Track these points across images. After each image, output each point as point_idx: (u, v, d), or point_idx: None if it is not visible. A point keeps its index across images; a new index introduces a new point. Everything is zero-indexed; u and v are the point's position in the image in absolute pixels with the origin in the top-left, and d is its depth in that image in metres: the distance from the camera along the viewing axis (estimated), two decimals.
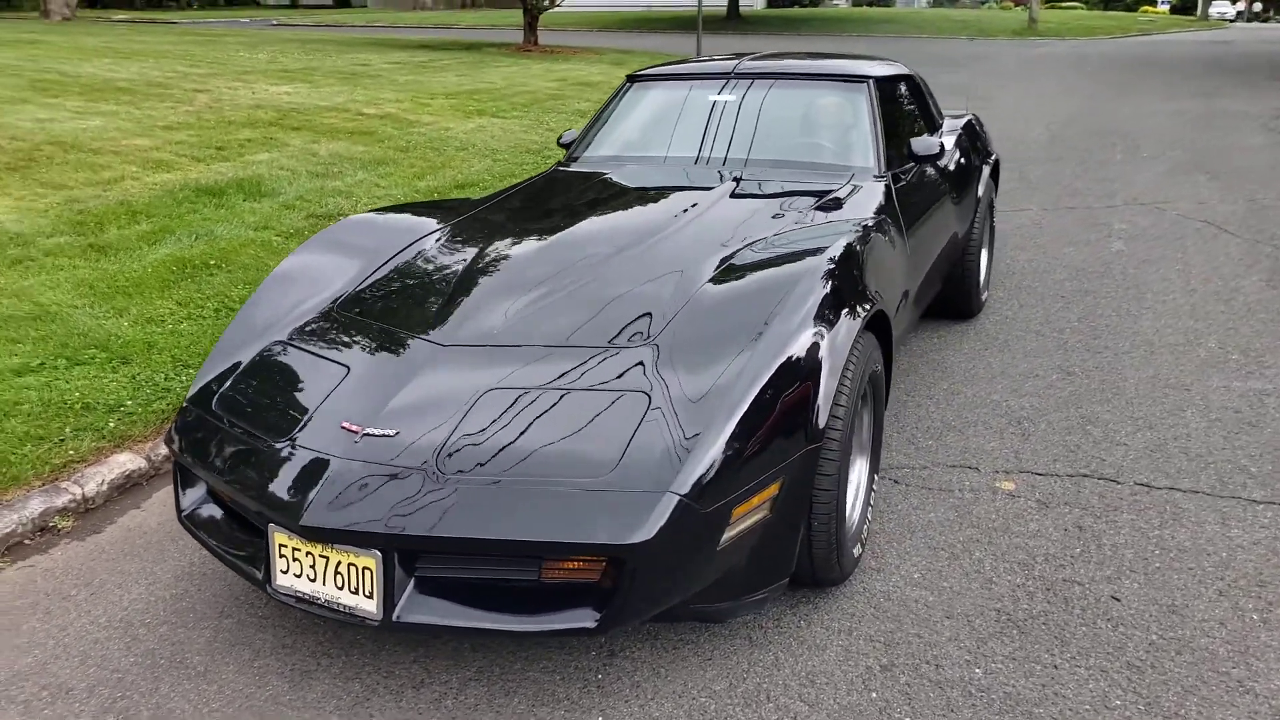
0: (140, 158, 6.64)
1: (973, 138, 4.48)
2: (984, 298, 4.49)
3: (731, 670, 2.04)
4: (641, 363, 2.06)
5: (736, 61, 3.76)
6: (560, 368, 2.08)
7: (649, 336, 2.16)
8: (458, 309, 2.36)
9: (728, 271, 2.38)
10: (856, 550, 2.34)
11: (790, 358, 2.03)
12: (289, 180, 6.35)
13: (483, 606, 1.81)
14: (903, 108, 3.82)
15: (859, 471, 2.46)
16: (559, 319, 2.27)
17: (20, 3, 40.94)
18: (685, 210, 2.86)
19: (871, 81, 3.55)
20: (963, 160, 4.11)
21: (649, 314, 2.25)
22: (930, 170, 3.68)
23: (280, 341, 2.39)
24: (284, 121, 8.40)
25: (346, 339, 2.34)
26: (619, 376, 2.03)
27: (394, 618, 1.79)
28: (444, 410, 1.98)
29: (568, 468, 1.81)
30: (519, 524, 1.73)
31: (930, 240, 3.44)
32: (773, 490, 1.95)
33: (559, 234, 2.76)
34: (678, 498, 1.75)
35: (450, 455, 1.86)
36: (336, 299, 2.55)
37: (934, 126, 4.11)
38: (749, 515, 1.91)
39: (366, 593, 1.80)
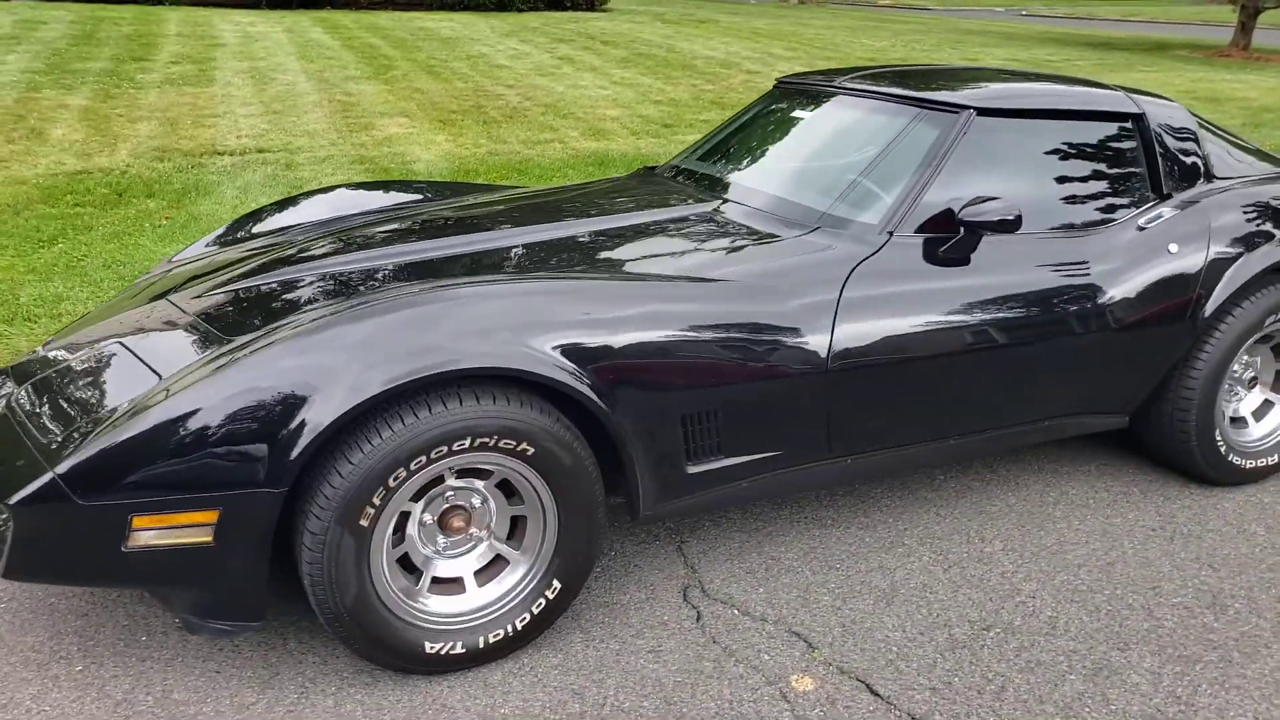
0: (591, 125, 7.69)
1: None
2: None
3: None
4: (197, 347, 2.10)
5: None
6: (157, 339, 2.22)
7: (259, 329, 2.09)
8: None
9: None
10: (441, 647, 2.02)
11: (268, 387, 1.84)
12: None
13: None
14: (1054, 156, 2.72)
15: (452, 566, 2.11)
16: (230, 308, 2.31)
17: None
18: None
19: (971, 111, 2.61)
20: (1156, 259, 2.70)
21: (300, 310, 2.17)
22: (1013, 251, 2.57)
23: None
24: None
25: None
26: (163, 356, 2.10)
27: None
28: None
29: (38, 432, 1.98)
30: None
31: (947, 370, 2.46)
32: (207, 517, 1.85)
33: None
34: (51, 476, 1.81)
35: None
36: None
37: (1142, 194, 2.80)
38: (165, 531, 1.85)
39: None
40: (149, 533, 1.84)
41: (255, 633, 2.16)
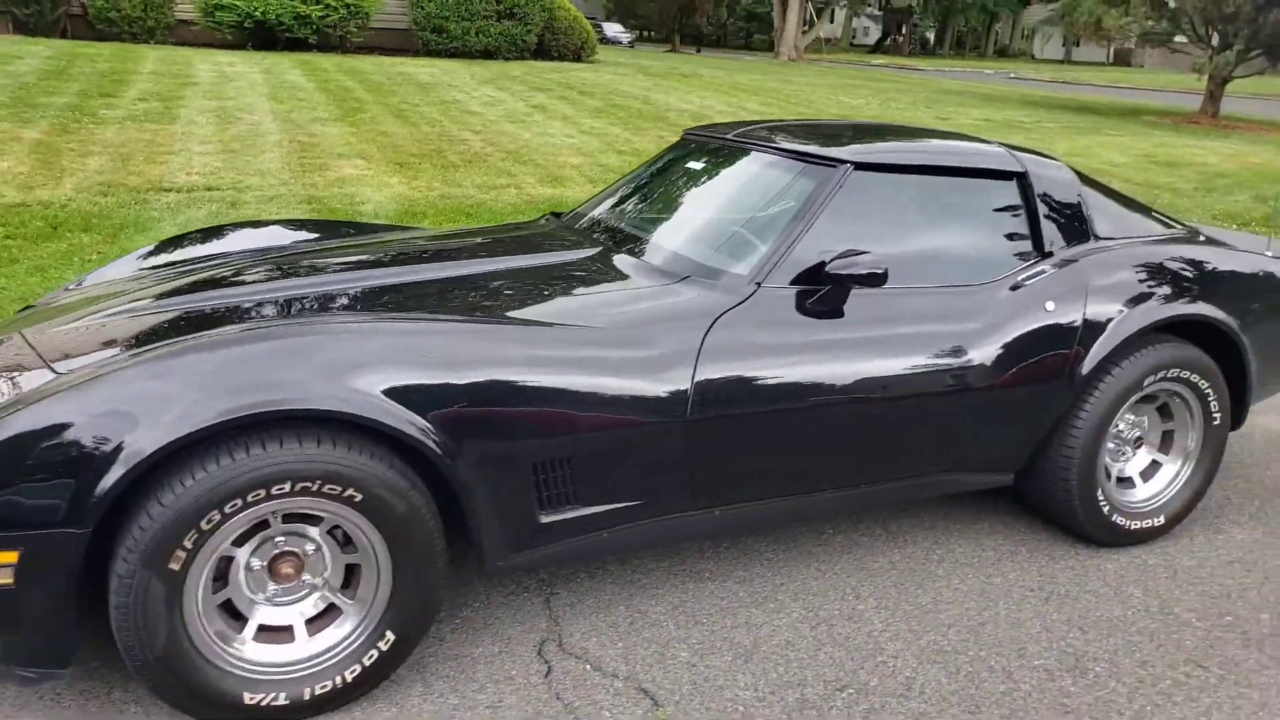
0: (550, 172, 7.75)
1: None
2: None
3: None
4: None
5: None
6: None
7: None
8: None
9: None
10: (262, 698, 1.97)
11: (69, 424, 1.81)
12: None
13: None
14: (927, 209, 2.76)
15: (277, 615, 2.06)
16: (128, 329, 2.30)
17: (735, 42, 50.11)
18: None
19: (848, 166, 2.64)
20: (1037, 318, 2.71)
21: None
22: (888, 305, 2.59)
23: None
24: None
25: None
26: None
27: None
28: None
29: None
30: None
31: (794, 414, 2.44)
32: (6, 558, 1.81)
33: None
34: None
35: None
36: None
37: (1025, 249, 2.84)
38: None
39: None
40: None
41: (66, 680, 2.10)
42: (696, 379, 2.31)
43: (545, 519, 2.24)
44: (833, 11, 65.27)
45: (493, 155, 8.48)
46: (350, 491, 1.95)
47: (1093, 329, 2.73)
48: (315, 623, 2.10)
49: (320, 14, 16.83)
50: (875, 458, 2.60)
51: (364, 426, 1.97)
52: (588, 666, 2.30)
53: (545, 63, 18.77)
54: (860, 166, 2.69)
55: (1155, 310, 2.79)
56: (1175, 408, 2.99)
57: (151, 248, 3.23)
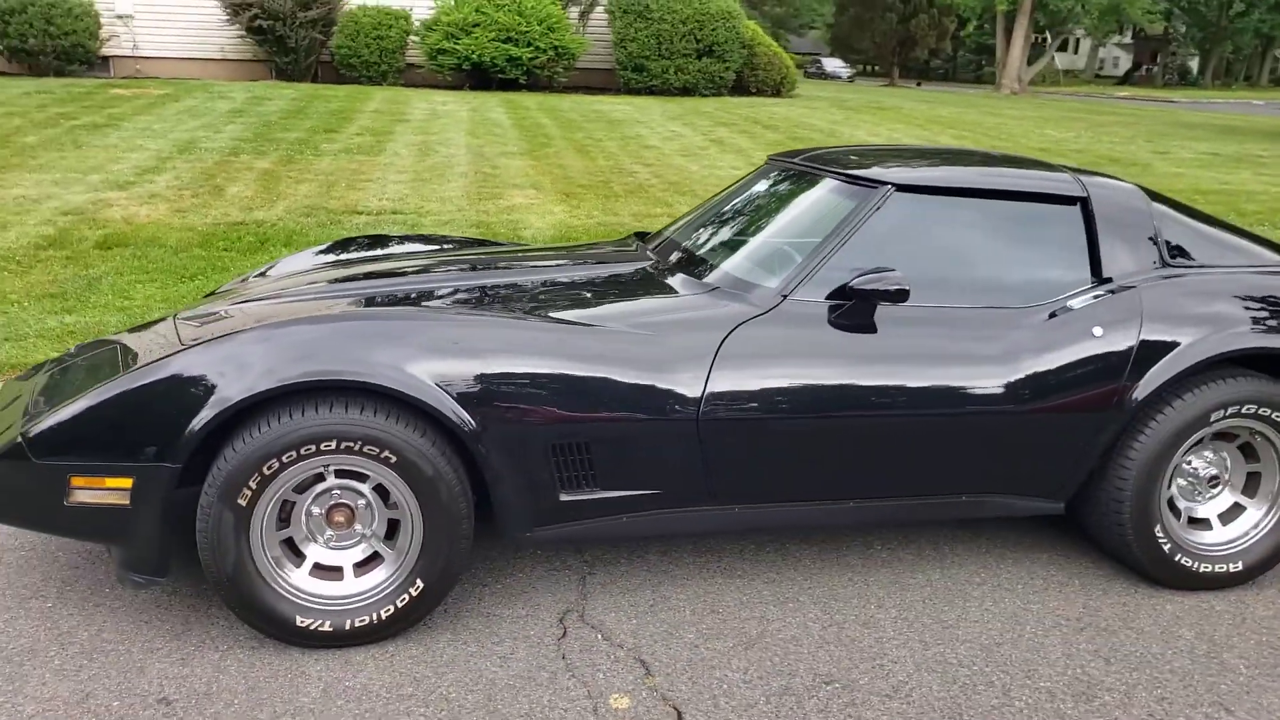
0: (700, 199, 8.09)
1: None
2: None
3: None
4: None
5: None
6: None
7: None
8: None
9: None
10: (311, 623, 2.38)
11: (199, 377, 2.28)
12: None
13: None
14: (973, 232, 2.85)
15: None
16: None
17: (965, 76, 48.32)
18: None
19: (889, 187, 2.78)
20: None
21: None
22: (922, 322, 2.69)
23: None
24: None
25: None
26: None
27: None
28: None
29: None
30: None
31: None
32: (124, 482, 2.31)
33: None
34: (20, 438, 2.33)
35: None
36: None
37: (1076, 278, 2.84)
38: (95, 492, 2.32)
39: None
40: (84, 492, 2.32)
41: (173, 590, 2.60)
42: (711, 380, 2.52)
43: (566, 498, 2.52)
44: (1076, 42, 61.84)
45: (655, 186, 8.93)
46: (386, 453, 2.33)
47: (1147, 358, 2.69)
48: (360, 566, 2.48)
49: (530, 56, 18.12)
50: (900, 472, 2.69)
51: (402, 400, 2.34)
52: (599, 636, 2.55)
53: (741, 98, 19.22)
54: (903, 188, 2.81)
55: (1222, 341, 2.70)
56: (1260, 448, 2.85)
57: (326, 246, 3.85)
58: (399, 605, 2.44)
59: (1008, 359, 2.66)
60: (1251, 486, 2.90)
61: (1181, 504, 2.88)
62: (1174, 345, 2.70)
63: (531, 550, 2.95)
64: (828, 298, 2.68)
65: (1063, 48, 64.15)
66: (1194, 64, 63.25)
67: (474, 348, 2.43)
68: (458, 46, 17.83)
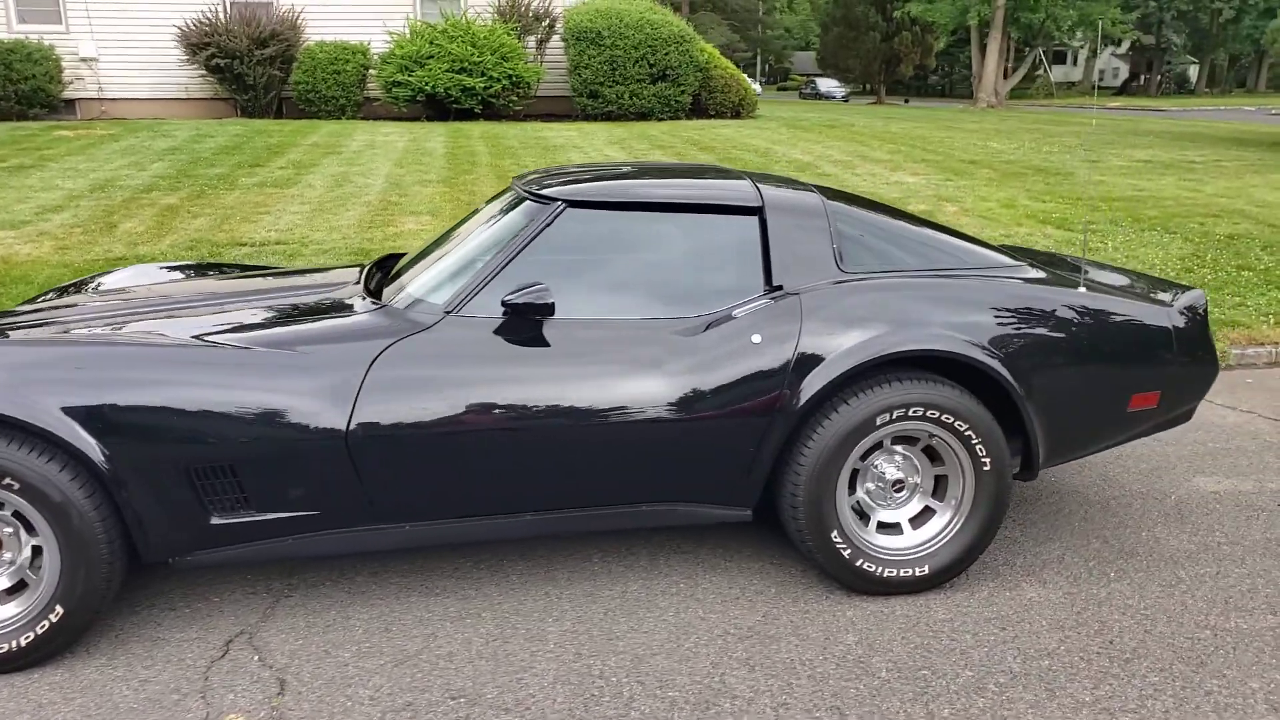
0: None
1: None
2: None
3: None
4: None
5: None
6: None
7: None
8: None
9: None
10: None
11: None
12: None
13: None
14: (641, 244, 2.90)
15: None
16: None
17: (961, 90, 48.51)
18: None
19: (560, 204, 2.83)
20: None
21: None
22: (588, 335, 2.73)
23: None
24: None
25: None
26: None
27: None
28: None
29: None
30: None
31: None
32: None
33: None
34: None
35: None
36: None
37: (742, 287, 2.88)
38: None
39: None
40: None
41: None
42: (360, 399, 2.55)
43: (219, 521, 2.55)
44: (1075, 54, 61.53)
45: None
46: (8, 480, 2.36)
47: (806, 364, 2.71)
48: (9, 594, 2.51)
49: (484, 85, 18.31)
50: (573, 484, 2.71)
51: (28, 429, 2.38)
52: (256, 658, 2.57)
53: (696, 121, 19.34)
54: (575, 204, 2.85)
55: (880, 345, 2.71)
56: (942, 452, 2.86)
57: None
58: (39, 632, 2.46)
59: (671, 369, 2.69)
60: (941, 490, 2.91)
61: (871, 508, 2.89)
62: (832, 351, 2.72)
63: (235, 572, 2.97)
64: (502, 314, 2.71)
65: (1060, 60, 63.99)
66: (1193, 72, 63.13)
67: (103, 375, 2.46)
68: (411, 79, 18.01)
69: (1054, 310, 2.90)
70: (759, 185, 2.99)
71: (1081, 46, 55.26)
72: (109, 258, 6.96)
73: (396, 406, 2.57)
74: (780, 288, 2.84)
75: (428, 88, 18.08)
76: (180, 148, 12.45)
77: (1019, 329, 2.85)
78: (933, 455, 2.89)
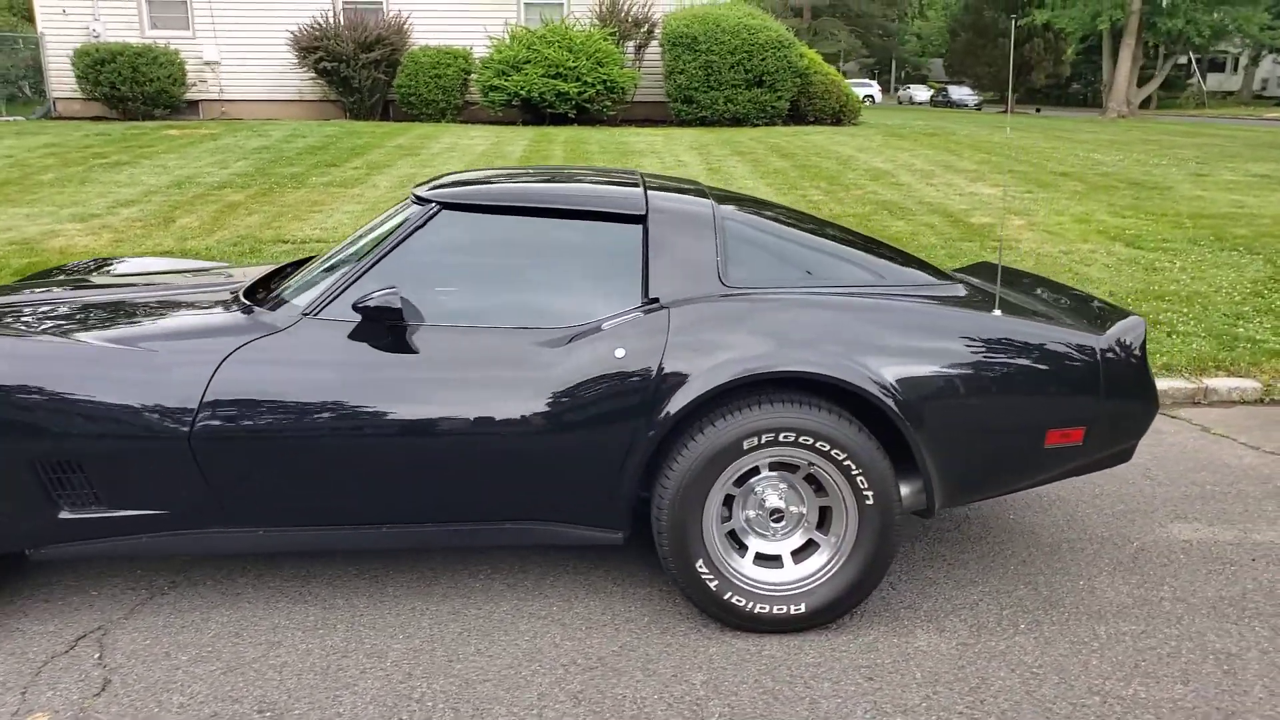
0: None
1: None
2: None
3: None
4: None
5: None
6: None
7: None
8: None
9: None
10: None
11: None
12: None
13: None
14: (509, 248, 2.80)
15: None
16: None
17: (1090, 98, 45.80)
18: None
19: (434, 206, 2.76)
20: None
21: None
22: (448, 343, 2.62)
23: None
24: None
25: None
26: None
27: None
28: None
29: None
30: None
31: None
32: None
33: None
34: None
35: None
36: None
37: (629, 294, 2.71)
38: None
39: None
40: None
41: None
42: (206, 399, 2.52)
43: (67, 516, 2.56)
44: (1235, 61, 56.96)
45: None
46: None
47: (669, 382, 2.53)
48: None
49: (578, 90, 18.45)
50: (429, 497, 2.61)
51: None
52: (96, 656, 2.57)
53: (790, 127, 18.96)
54: (450, 206, 2.75)
55: (745, 364, 2.51)
56: (825, 482, 2.62)
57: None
58: None
59: (530, 381, 2.56)
60: (825, 523, 2.67)
61: (749, 538, 2.68)
62: (697, 369, 2.53)
63: (124, 567, 3.00)
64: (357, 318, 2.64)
65: (1218, 68, 59.41)
66: None
67: None
68: (507, 83, 18.32)
69: (958, 334, 2.63)
70: (649, 192, 2.83)
71: (1240, 53, 51.50)
72: (158, 250, 7.28)
73: (243, 408, 2.53)
74: (656, 300, 2.67)
75: (522, 92, 18.33)
76: (270, 147, 12.98)
77: (914, 353, 2.59)
78: (819, 486, 2.66)
